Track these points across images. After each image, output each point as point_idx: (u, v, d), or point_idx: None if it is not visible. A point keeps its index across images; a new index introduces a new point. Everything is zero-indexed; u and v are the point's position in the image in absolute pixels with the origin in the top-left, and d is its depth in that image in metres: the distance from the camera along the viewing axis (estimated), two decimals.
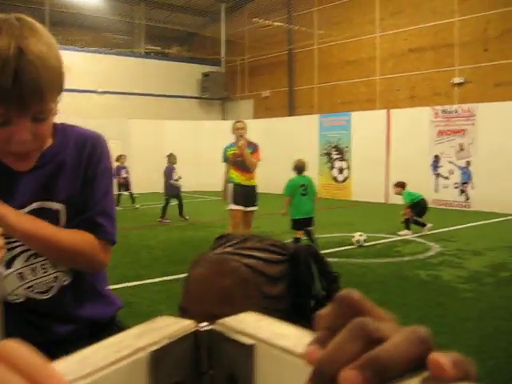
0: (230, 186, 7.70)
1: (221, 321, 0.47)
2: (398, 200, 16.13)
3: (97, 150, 1.61)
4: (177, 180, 13.27)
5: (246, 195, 7.69)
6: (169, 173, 13.38)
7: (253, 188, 7.84)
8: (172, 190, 13.23)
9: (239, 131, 7.76)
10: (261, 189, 20.46)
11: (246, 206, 7.73)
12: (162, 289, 6.44)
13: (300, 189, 8.43)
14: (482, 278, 6.99)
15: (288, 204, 8.52)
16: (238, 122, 7.99)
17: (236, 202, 7.67)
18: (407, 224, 10.82)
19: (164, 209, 13.15)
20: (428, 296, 6.12)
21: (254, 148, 7.78)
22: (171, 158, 13.56)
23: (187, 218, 13.05)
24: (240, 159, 7.69)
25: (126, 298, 5.91)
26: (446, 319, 5.23)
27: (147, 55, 24.73)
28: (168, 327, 0.46)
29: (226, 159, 7.79)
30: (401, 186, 11.67)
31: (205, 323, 0.48)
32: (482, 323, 5.10)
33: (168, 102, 24.20)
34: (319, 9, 21.21)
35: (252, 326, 0.44)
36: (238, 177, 7.71)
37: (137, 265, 7.82)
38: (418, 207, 11.06)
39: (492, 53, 16.19)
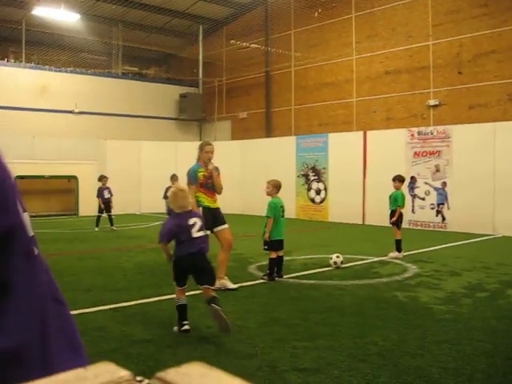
0: (199, 210, 7.47)
1: (162, 374, 0.40)
2: (375, 221, 16.25)
3: None
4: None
5: (214, 218, 7.51)
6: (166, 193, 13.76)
7: (219, 209, 7.68)
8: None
9: (210, 154, 7.65)
10: (237, 210, 20.49)
11: (214, 227, 7.51)
12: (137, 312, 6.32)
13: (280, 210, 8.36)
14: (459, 299, 6.98)
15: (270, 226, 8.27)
16: (209, 144, 7.80)
17: (210, 228, 7.42)
18: (398, 245, 10.50)
19: None
20: (406, 318, 6.08)
21: (218, 171, 7.67)
22: (173, 179, 13.81)
23: None
24: (211, 181, 7.58)
25: (100, 322, 5.78)
26: (424, 341, 5.19)
27: (125, 76, 24.68)
28: (100, 377, 0.40)
29: (195, 181, 7.60)
30: (402, 181, 10.75)
31: (141, 377, 0.41)
32: (460, 345, 5.07)
33: (145, 122, 24.13)
34: (296, 31, 21.42)
35: (196, 381, 0.38)
36: (206, 199, 7.52)
37: (112, 288, 7.68)
38: (401, 217, 10.71)
39: (465, 76, 16.46)
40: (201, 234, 5.48)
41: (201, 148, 7.73)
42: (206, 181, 7.55)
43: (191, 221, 5.41)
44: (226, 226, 7.63)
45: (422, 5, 17.47)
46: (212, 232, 7.53)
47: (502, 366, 4.52)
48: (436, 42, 17.17)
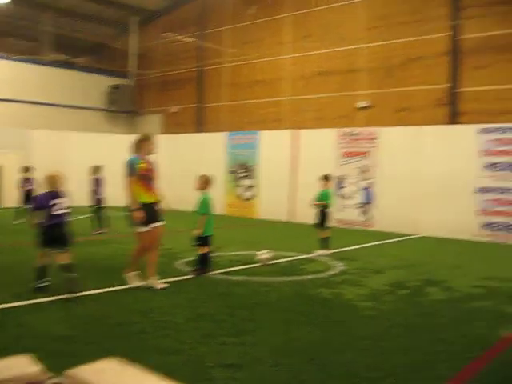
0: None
1: (75, 371, 0.38)
2: (303, 219, 16.46)
3: None
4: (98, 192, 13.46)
5: (153, 213, 7.33)
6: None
7: (157, 204, 7.49)
8: (98, 202, 13.45)
9: (151, 146, 7.51)
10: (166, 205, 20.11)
11: (149, 223, 7.33)
12: (61, 308, 6.13)
13: (211, 206, 8.34)
14: (381, 296, 7.18)
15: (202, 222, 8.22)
16: (150, 137, 7.66)
17: (146, 223, 7.25)
18: (325, 243, 10.79)
19: (98, 219, 13.27)
20: (330, 314, 6.20)
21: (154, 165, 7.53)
22: (95, 170, 13.62)
23: (103, 231, 13.06)
24: (149, 174, 7.41)
25: (20, 318, 5.58)
26: (348, 337, 5.31)
27: (54, 63, 23.87)
28: (11, 371, 0.38)
29: (134, 172, 7.32)
30: (329, 180, 11.27)
31: (51, 374, 0.39)
32: (382, 341, 5.21)
33: (74, 113, 23.48)
34: (231, 28, 21.39)
35: (111, 379, 0.36)
36: (144, 194, 7.28)
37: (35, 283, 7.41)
38: (327, 215, 11.05)
39: (395, 79, 16.92)
40: (60, 211, 6.72)
41: (142, 140, 7.55)
42: (145, 172, 7.37)
43: (53, 201, 6.64)
44: (159, 223, 7.44)
45: (355, 8, 17.82)
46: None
47: (421, 362, 4.68)
48: (367, 45, 17.55)
